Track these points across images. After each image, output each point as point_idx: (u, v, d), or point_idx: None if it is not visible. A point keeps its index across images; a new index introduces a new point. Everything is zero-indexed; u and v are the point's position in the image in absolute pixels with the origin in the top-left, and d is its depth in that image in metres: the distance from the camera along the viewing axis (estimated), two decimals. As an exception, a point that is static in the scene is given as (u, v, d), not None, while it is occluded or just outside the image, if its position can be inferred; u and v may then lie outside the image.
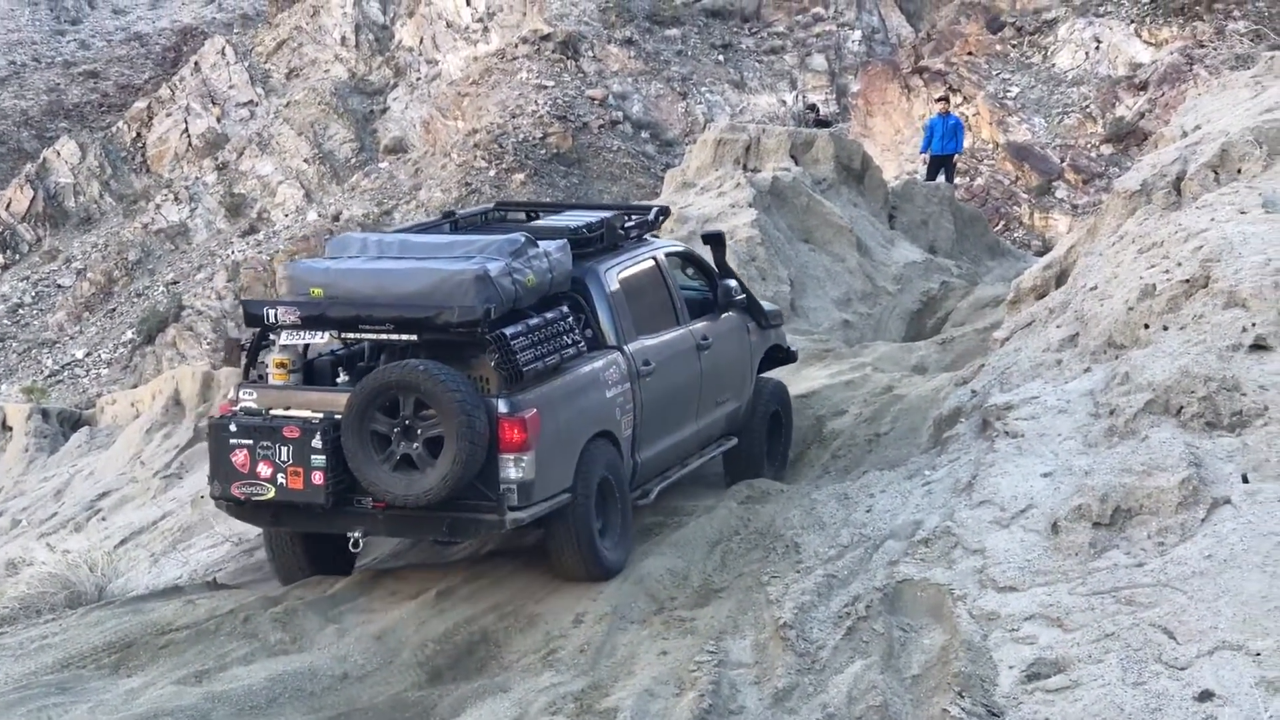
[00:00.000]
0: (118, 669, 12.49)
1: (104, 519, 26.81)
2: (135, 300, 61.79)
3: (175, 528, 22.74)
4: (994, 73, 49.98)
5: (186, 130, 68.10)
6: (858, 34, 63.10)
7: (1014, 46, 51.02)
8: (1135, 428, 13.54)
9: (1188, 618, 10.93)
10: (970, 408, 16.25)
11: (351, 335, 13.45)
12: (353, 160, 64.40)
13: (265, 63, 70.84)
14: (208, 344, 56.34)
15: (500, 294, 12.88)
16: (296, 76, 69.59)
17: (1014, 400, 15.13)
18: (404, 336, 13.10)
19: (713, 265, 16.67)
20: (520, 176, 56.08)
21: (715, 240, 16.82)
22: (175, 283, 61.22)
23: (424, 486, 12.61)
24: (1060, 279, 18.98)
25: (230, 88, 69.45)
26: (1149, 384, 13.84)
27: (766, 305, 17.39)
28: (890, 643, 11.69)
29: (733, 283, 16.39)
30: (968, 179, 45.18)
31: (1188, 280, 14.95)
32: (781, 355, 17.60)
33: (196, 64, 70.82)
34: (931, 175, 34.83)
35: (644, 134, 59.97)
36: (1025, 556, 12.38)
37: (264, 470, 12.95)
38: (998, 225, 43.06)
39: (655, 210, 16.31)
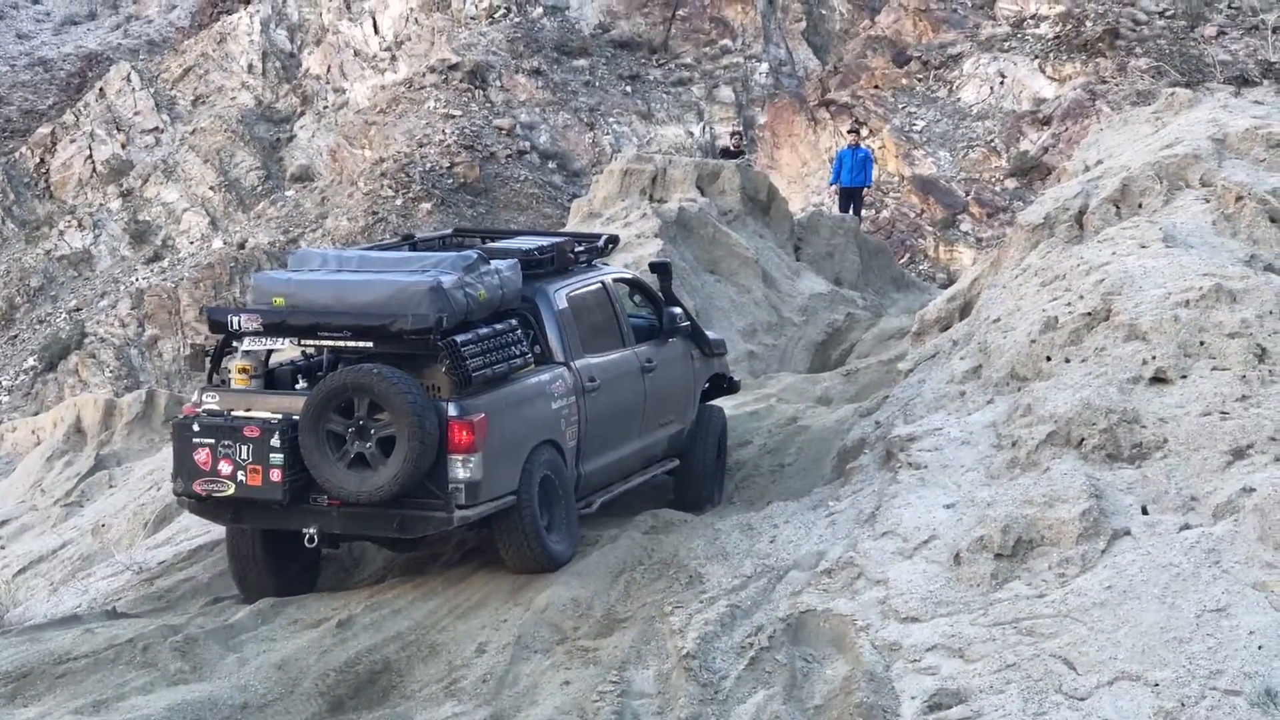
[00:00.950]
0: (14, 699, 12.33)
1: (3, 547, 26.51)
2: (37, 327, 61.11)
3: (75, 556, 22.53)
4: (900, 106, 50.26)
5: (91, 156, 67.41)
6: (765, 66, 63.21)
7: (920, 80, 51.31)
8: (1037, 459, 13.64)
9: (1088, 648, 11.01)
10: (874, 439, 16.32)
11: (311, 342, 14.07)
12: (259, 188, 63.96)
13: (171, 89, 70.25)
14: (110, 372, 55.79)
15: (453, 305, 13.52)
16: (203, 103, 69.05)
17: (917, 432, 15.21)
18: (360, 344, 13.66)
19: (659, 293, 17.23)
20: (427, 206, 55.86)
21: (662, 269, 17.60)
22: (78, 310, 60.58)
23: (376, 484, 13.23)
24: (964, 311, 19.12)
25: (135, 114, 68.83)
26: (1051, 416, 13.95)
27: (710, 335, 17.97)
28: (793, 673, 11.71)
29: (678, 310, 17.08)
30: (873, 211, 45.38)
31: (1089, 313, 15.08)
32: (724, 384, 18.05)
33: (101, 90, 70.11)
34: (844, 207, 34.94)
35: (551, 164, 59.86)
36: (928, 587, 12.43)
37: (225, 468, 13.58)
38: (903, 258, 43.25)
39: (604, 238, 16.90)
